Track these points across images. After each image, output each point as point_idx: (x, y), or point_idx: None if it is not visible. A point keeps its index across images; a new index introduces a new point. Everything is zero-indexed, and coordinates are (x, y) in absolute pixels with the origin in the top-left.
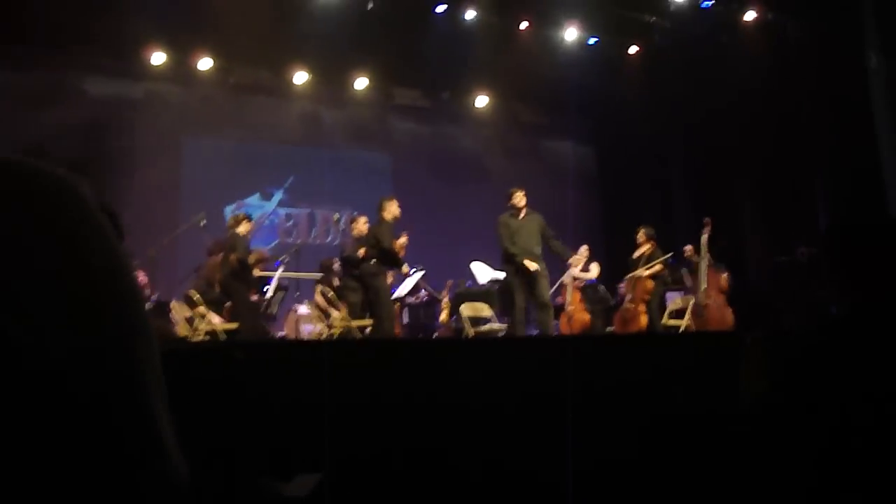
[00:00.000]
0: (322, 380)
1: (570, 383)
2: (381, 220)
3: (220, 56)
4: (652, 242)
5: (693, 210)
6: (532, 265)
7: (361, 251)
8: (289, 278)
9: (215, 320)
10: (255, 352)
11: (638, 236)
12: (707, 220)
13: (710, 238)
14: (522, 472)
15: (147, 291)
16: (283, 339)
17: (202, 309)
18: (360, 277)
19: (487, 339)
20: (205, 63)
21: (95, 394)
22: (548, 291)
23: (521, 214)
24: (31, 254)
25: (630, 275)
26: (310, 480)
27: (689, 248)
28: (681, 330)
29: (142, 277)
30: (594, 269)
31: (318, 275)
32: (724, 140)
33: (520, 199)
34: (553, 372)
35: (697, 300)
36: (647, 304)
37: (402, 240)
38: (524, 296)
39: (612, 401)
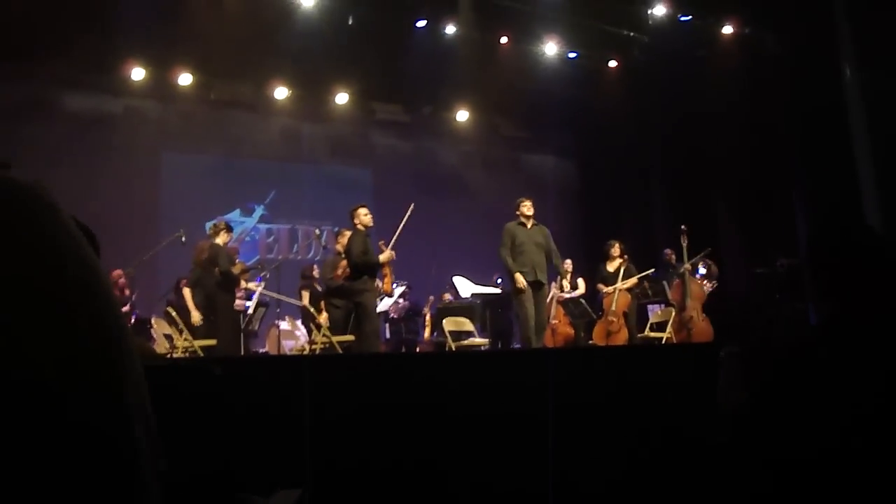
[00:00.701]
0: (303, 394)
1: (553, 395)
2: (354, 229)
3: (200, 71)
4: (625, 257)
5: (673, 222)
6: (521, 281)
7: (343, 264)
8: (269, 295)
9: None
10: (236, 367)
11: (613, 250)
12: (684, 227)
13: (688, 247)
14: (505, 483)
15: (127, 292)
16: (264, 353)
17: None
18: (348, 295)
19: (470, 353)
20: (185, 78)
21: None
22: (545, 312)
23: (530, 224)
24: (4, 262)
25: (612, 287)
26: (290, 496)
27: (669, 251)
28: (663, 342)
29: (122, 280)
30: (581, 285)
31: (300, 302)
32: (702, 152)
33: (528, 208)
34: (537, 384)
35: (684, 312)
36: (626, 316)
37: (386, 255)
38: (532, 308)
39: (595, 412)
